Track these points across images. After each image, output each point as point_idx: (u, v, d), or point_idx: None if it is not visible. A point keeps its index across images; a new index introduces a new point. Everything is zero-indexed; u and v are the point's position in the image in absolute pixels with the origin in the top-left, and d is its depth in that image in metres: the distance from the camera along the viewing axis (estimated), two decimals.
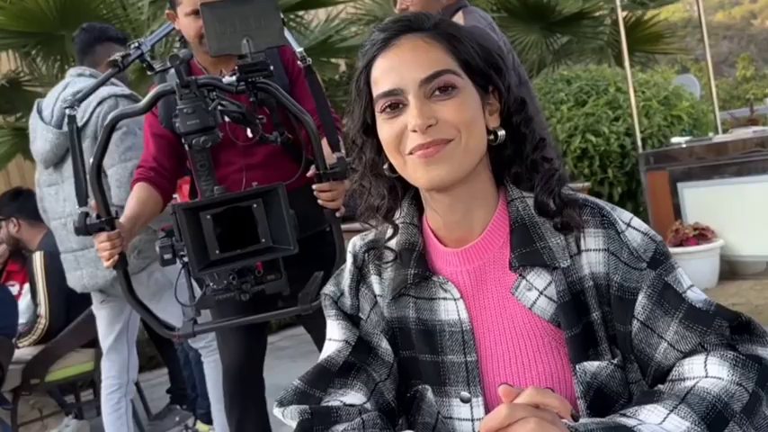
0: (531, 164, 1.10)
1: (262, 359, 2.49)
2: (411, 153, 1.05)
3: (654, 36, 7.09)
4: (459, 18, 2.86)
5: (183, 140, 1.83)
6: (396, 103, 1.06)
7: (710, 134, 5.77)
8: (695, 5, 5.99)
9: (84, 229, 1.95)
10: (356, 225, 3.70)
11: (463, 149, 1.04)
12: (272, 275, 1.89)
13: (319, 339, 2.42)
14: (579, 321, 1.05)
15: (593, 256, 1.06)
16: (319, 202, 2.00)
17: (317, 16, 5.97)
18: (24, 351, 3.87)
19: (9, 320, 3.80)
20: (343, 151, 1.96)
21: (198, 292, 2.10)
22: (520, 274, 1.08)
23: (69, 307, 3.94)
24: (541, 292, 1.07)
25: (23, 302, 4.24)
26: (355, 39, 5.85)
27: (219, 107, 1.75)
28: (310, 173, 1.97)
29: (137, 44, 2.20)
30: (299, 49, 1.97)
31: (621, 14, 5.45)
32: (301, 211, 1.86)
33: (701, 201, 5.02)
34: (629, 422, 0.91)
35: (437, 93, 1.04)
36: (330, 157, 1.97)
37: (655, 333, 1.02)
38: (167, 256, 1.81)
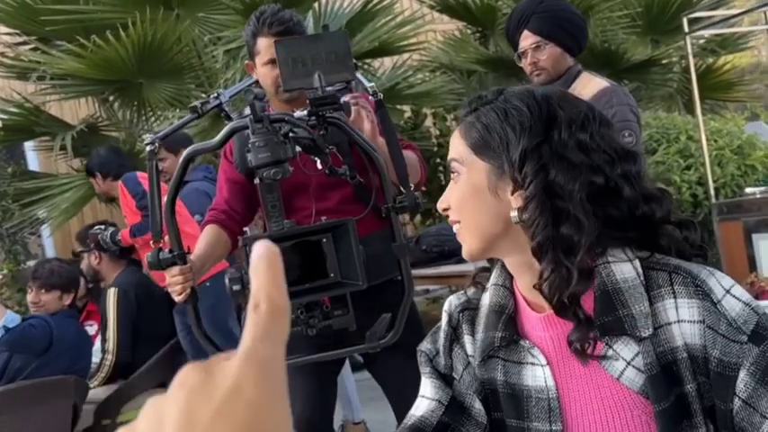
0: (639, 221, 1.07)
1: (332, 409, 2.48)
2: None
3: (725, 83, 6.97)
4: (588, 91, 2.79)
5: (255, 175, 1.85)
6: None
7: None
8: (763, 51, 5.88)
9: (157, 263, 1.99)
10: (428, 271, 3.70)
11: (465, 230, 1.12)
12: (339, 311, 1.88)
13: (390, 388, 2.40)
14: (670, 393, 1.02)
15: (686, 328, 1.03)
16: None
17: (383, 64, 6.06)
18: (98, 391, 3.93)
19: (84, 362, 3.88)
20: (412, 186, 1.96)
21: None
22: (606, 344, 1.05)
23: (136, 345, 4.01)
24: (629, 363, 1.04)
25: (98, 343, 4.33)
26: (422, 85, 5.91)
27: (291, 134, 1.78)
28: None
29: (216, 94, 2.25)
30: (369, 84, 1.99)
31: (693, 61, 5.38)
32: (374, 257, 1.86)
33: None
34: None
35: (454, 176, 1.15)
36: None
37: (758, 413, 0.98)
38: (236, 288, 1.82)
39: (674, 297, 1.04)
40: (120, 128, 5.71)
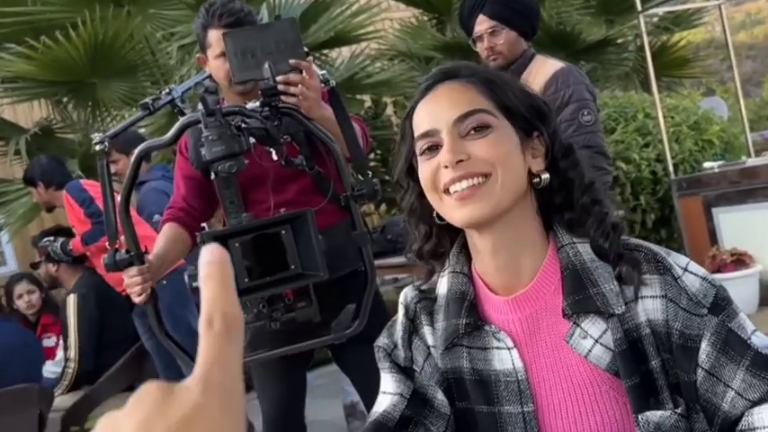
0: (581, 208, 1.09)
1: (302, 404, 2.46)
2: (446, 192, 1.06)
3: (680, 60, 7.05)
4: (543, 73, 2.82)
5: (210, 169, 1.83)
6: (433, 145, 1.08)
7: (743, 157, 5.69)
8: (717, 26, 5.95)
9: (114, 265, 1.95)
10: (396, 260, 3.68)
11: (500, 186, 1.05)
12: (302, 303, 1.87)
13: (358, 380, 2.39)
14: (638, 370, 1.02)
15: (649, 303, 1.04)
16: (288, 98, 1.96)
17: (341, 54, 6.03)
18: (64, 398, 3.87)
19: (36, 369, 3.83)
20: (369, 173, 1.95)
21: None
22: (574, 322, 1.06)
23: (100, 351, 3.96)
24: (597, 341, 1.04)
25: (61, 353, 4.27)
26: (380, 74, 5.89)
27: (243, 125, 1.75)
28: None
29: (168, 90, 2.21)
30: (321, 72, 1.97)
31: (647, 39, 5.43)
32: (336, 248, 1.84)
33: (736, 225, 4.92)
34: None
35: (472, 132, 1.06)
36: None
37: (721, 382, 0.99)
38: (196, 284, 1.80)
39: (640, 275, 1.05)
40: (75, 129, 5.62)
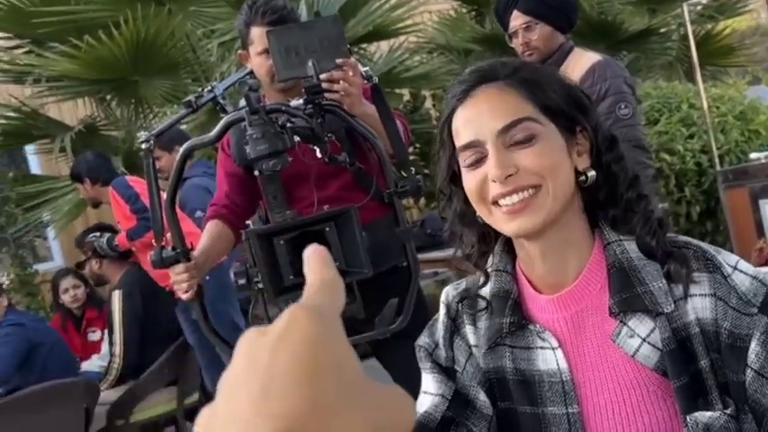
0: (625, 204, 1.08)
1: None
2: (495, 203, 1.04)
3: (724, 49, 6.90)
4: (580, 67, 2.79)
5: (254, 168, 1.84)
6: (476, 155, 1.06)
7: None
8: (762, 13, 5.82)
9: (160, 262, 1.98)
10: (436, 254, 3.69)
11: (551, 197, 1.03)
12: (346, 299, 1.87)
13: (399, 378, 2.39)
14: (687, 370, 1.01)
15: (698, 302, 1.02)
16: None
17: (379, 48, 6.02)
18: (109, 393, 3.94)
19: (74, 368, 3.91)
20: (413, 169, 1.94)
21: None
22: (621, 321, 1.04)
23: (144, 346, 4.01)
24: (644, 340, 1.03)
25: (106, 347, 4.34)
26: (419, 68, 5.87)
27: (289, 124, 1.76)
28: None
29: (210, 87, 2.23)
30: (363, 68, 1.97)
31: (691, 29, 5.33)
32: (379, 244, 1.84)
33: None
34: None
35: (517, 141, 1.04)
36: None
37: None
38: (242, 282, 1.81)
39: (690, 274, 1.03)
40: (118, 127, 5.68)
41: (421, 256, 4.14)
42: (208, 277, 3.56)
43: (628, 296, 1.03)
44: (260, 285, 1.78)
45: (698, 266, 1.03)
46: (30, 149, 6.42)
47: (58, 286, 4.71)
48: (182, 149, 1.91)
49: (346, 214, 1.73)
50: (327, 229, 1.74)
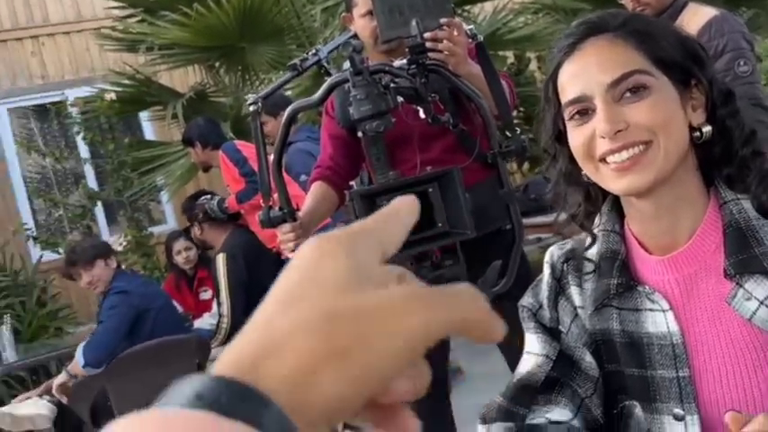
0: (740, 161, 1.03)
1: (446, 360, 2.47)
2: (603, 160, 1.00)
3: None
4: (696, 22, 2.68)
5: (357, 129, 1.85)
6: (584, 110, 1.02)
7: None
8: None
9: (268, 221, 2.03)
10: (539, 219, 3.60)
11: (663, 154, 0.98)
12: (449, 261, 1.87)
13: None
14: None
15: None
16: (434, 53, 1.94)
17: (483, 9, 5.92)
18: (219, 350, 4.08)
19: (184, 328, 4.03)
20: (517, 130, 1.91)
21: None
22: (737, 283, 1.00)
23: (250, 305, 4.12)
24: (762, 302, 0.98)
25: (216, 305, 4.50)
26: (523, 29, 5.75)
27: (392, 84, 1.76)
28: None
29: (314, 50, 2.25)
30: (468, 27, 1.94)
31: None
32: (482, 206, 1.83)
33: None
34: None
35: (627, 95, 0.99)
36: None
37: None
38: None
39: None
40: (226, 93, 5.83)
41: (524, 221, 4.08)
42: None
43: (745, 257, 0.99)
44: None
45: None
46: (144, 116, 6.67)
47: (171, 248, 4.90)
48: (287, 111, 1.95)
49: (449, 175, 1.73)
50: (431, 189, 1.74)
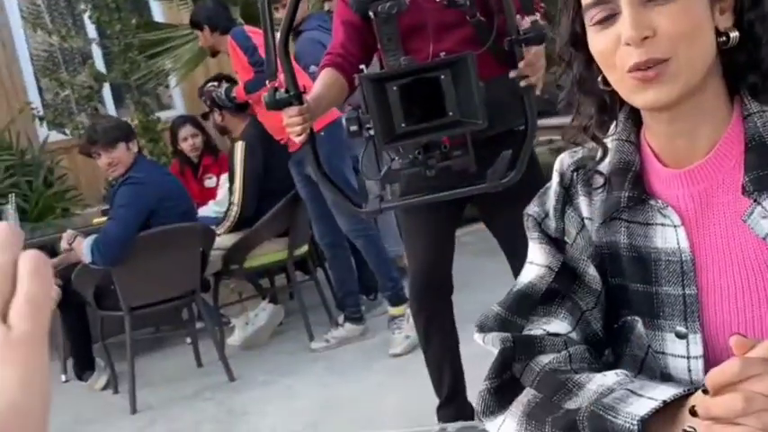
0: (767, 69, 0.95)
1: (450, 262, 2.47)
2: (629, 71, 0.93)
3: None
4: None
5: (369, 11, 1.78)
6: (607, 13, 0.94)
7: None
8: None
9: (274, 103, 1.97)
10: (552, 121, 3.49)
11: (686, 67, 0.91)
12: (458, 151, 1.83)
13: (505, 246, 2.36)
14: None
15: None
16: (522, 82, 1.89)
17: None
18: (224, 239, 4.10)
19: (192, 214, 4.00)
20: (537, 15, 1.83)
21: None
22: (755, 200, 0.94)
23: (261, 197, 4.11)
24: None
25: (222, 193, 4.48)
26: None
27: None
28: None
29: None
30: None
31: None
32: (496, 103, 1.76)
33: None
34: None
35: None
36: (525, 23, 1.85)
37: None
38: (353, 128, 1.79)
39: None
40: None
41: (538, 122, 4.00)
42: (323, 133, 3.59)
43: (765, 173, 0.94)
44: (371, 132, 1.75)
45: None
46: None
47: (176, 134, 4.85)
48: None
49: (463, 61, 1.67)
50: (443, 76, 1.68)
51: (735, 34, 0.96)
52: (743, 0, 0.96)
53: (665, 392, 0.87)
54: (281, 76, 1.97)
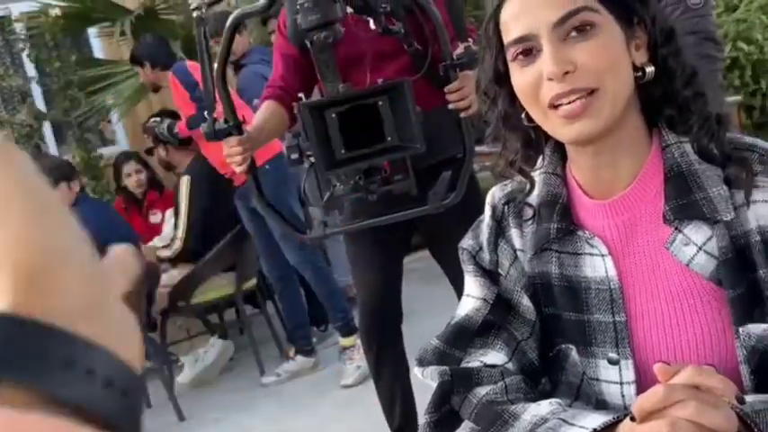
0: (682, 101, 0.99)
1: (399, 290, 2.47)
2: (552, 107, 0.96)
3: None
4: None
5: (305, 40, 1.79)
6: (528, 50, 0.97)
7: None
8: None
9: (212, 134, 1.96)
10: (484, 148, 3.52)
11: (611, 99, 0.95)
12: (399, 176, 1.84)
13: (452, 278, 2.37)
14: (743, 280, 0.95)
15: (761, 209, 0.95)
16: (450, 104, 1.92)
17: None
18: (171, 275, 4.05)
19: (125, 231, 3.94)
20: (470, 41, 1.86)
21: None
22: (676, 228, 0.98)
23: (206, 234, 4.07)
24: (701, 248, 0.97)
25: (167, 228, 4.43)
26: None
27: None
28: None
29: None
30: None
31: None
32: (435, 133, 1.78)
33: None
34: None
35: (573, 34, 0.95)
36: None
37: None
38: (294, 156, 1.79)
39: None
40: (177, 11, 5.63)
41: (479, 149, 4.06)
42: (268, 166, 3.58)
43: (685, 202, 0.97)
44: (312, 159, 1.76)
45: (764, 170, 0.96)
46: (92, 33, 6.43)
47: (120, 170, 4.79)
48: (230, 18, 1.86)
49: (400, 87, 1.68)
50: (380, 102, 1.70)
51: (651, 69, 1.00)
52: (656, 37, 1.00)
53: (596, 420, 0.89)
54: (221, 107, 1.96)
